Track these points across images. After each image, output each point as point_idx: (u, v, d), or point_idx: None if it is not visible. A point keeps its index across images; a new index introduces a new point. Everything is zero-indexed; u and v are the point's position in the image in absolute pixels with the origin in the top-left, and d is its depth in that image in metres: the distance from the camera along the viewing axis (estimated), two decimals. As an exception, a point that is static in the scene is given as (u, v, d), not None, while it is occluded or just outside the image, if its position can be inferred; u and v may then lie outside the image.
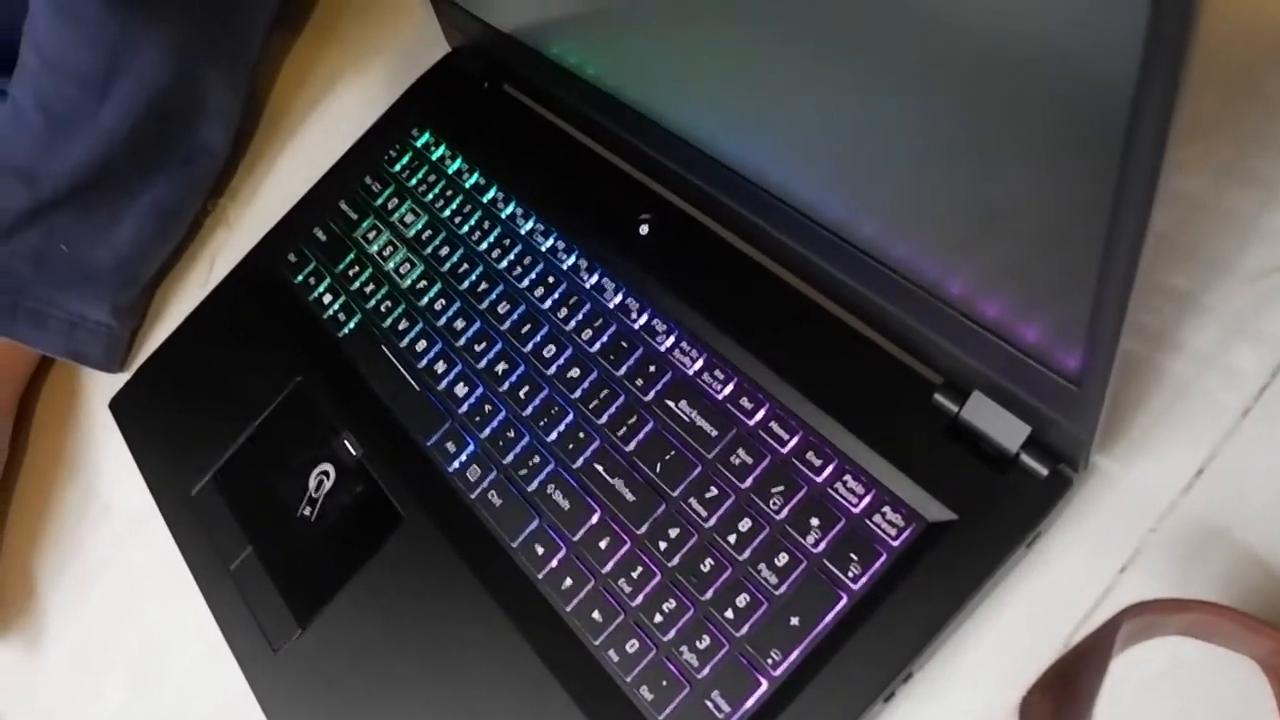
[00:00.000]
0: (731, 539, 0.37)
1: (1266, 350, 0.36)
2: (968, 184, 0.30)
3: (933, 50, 0.27)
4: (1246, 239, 0.37)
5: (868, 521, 0.36)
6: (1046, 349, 0.32)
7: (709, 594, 0.37)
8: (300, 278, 0.54)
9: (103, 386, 0.61)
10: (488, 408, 0.44)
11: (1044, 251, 0.29)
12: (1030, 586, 0.35)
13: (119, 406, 0.57)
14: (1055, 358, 0.32)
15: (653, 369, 0.42)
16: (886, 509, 0.35)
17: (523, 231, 0.49)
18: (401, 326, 0.49)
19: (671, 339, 0.42)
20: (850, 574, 0.35)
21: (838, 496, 0.36)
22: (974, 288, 0.33)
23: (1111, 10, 0.20)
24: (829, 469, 0.37)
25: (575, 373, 0.43)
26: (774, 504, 0.37)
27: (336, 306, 0.52)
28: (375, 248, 0.53)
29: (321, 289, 0.53)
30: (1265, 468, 0.34)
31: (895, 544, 0.35)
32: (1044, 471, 0.34)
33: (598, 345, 0.43)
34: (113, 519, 0.57)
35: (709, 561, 0.37)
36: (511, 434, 0.43)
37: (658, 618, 0.37)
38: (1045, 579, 0.35)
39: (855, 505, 0.36)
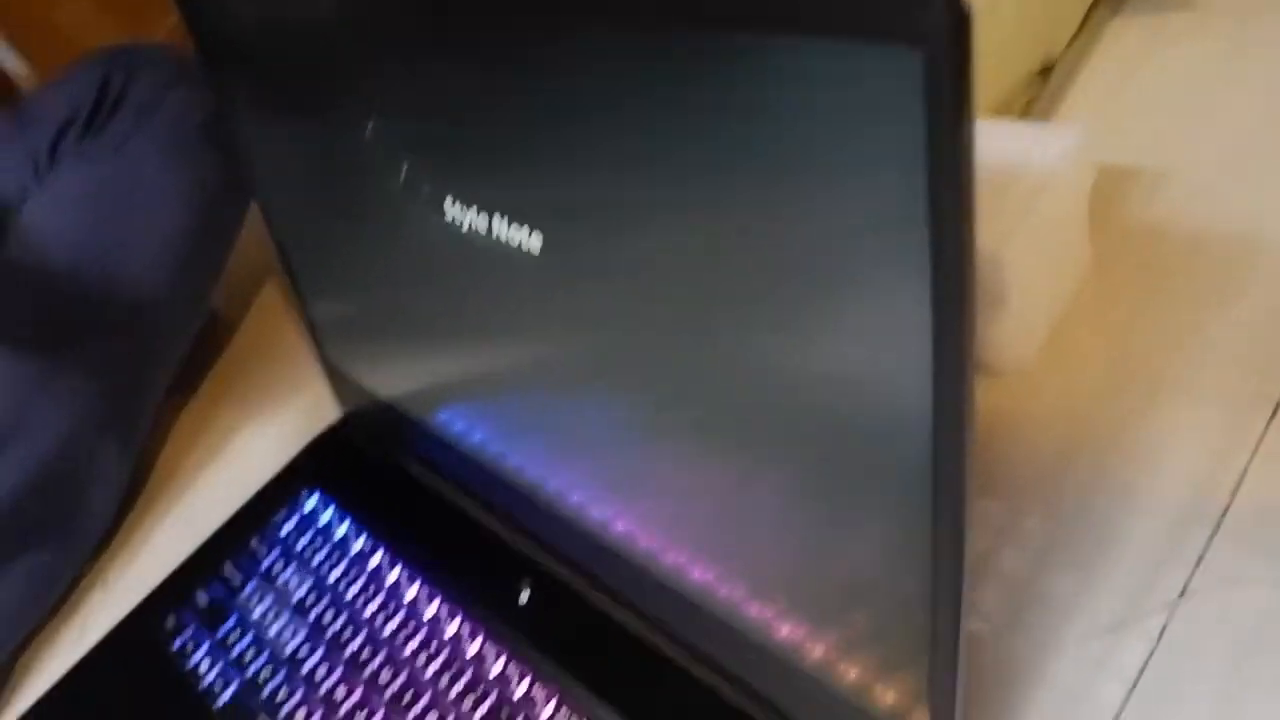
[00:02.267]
0: None
1: (1097, 713, 0.38)
2: (809, 561, 0.34)
3: (774, 438, 0.31)
4: (1068, 615, 0.41)
5: None
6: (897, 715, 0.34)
7: None
8: (178, 644, 0.54)
9: (-52, 764, 0.57)
10: (366, 785, 0.44)
11: (878, 627, 0.32)
12: None
13: (-35, 788, 0.54)
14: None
15: (533, 740, 0.43)
16: None
17: (407, 598, 0.50)
18: (280, 696, 0.49)
19: (550, 706, 0.43)
20: None
21: None
22: (828, 658, 0.36)
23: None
24: (706, 843, 0.38)
25: (456, 745, 0.44)
26: None
27: (213, 675, 0.52)
28: (258, 613, 0.53)
29: (199, 656, 0.53)
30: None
31: None
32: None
33: (479, 714, 0.44)
34: None
35: None
36: (389, 813, 0.43)
37: None
38: None
39: None
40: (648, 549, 0.41)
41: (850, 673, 0.35)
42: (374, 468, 0.58)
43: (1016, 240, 0.41)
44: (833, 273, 0.26)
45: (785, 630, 0.37)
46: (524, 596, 0.48)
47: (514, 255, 0.35)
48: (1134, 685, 0.37)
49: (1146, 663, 0.37)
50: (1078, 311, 0.48)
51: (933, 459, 0.26)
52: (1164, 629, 0.38)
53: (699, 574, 0.39)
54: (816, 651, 0.36)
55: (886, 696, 0.34)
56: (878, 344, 0.26)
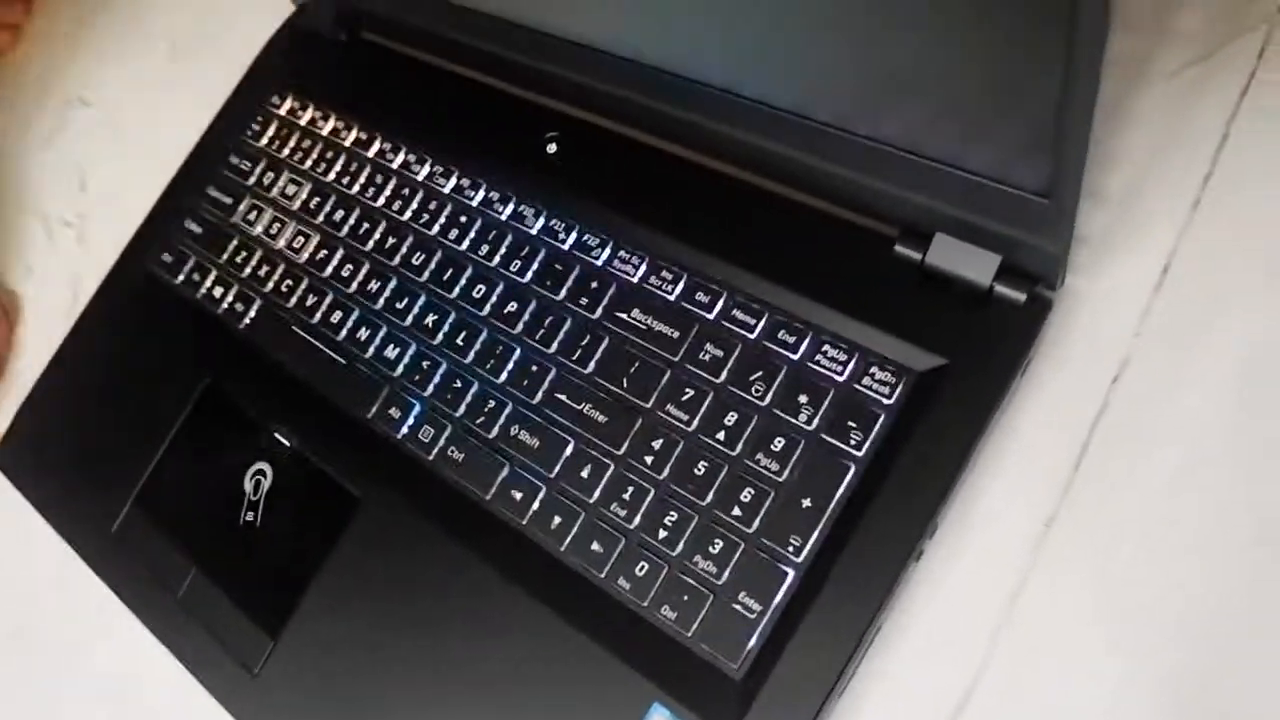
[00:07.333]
0: (720, 436, 0.35)
1: (1198, 144, 0.36)
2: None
3: None
4: (1153, 40, 0.37)
5: (857, 386, 0.34)
6: (1008, 167, 0.31)
7: (710, 497, 0.35)
8: (182, 276, 0.50)
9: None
10: (425, 364, 0.41)
11: (1000, 57, 0.28)
12: (1030, 415, 0.34)
13: (4, 465, 0.52)
14: (1019, 174, 0.31)
15: (595, 285, 0.39)
16: (873, 369, 0.34)
17: (420, 178, 0.45)
18: (309, 302, 0.45)
19: (607, 251, 0.40)
20: (852, 442, 0.34)
21: (820, 369, 0.35)
22: (919, 121, 0.32)
23: None
24: (804, 344, 0.35)
25: (513, 307, 0.41)
26: (756, 391, 0.35)
27: (231, 297, 0.48)
28: (260, 228, 0.49)
29: (209, 283, 0.49)
30: (1227, 252, 0.34)
31: (891, 402, 0.34)
32: (1022, 297, 0.33)
33: (530, 274, 0.41)
34: (38, 579, 0.51)
35: (702, 464, 0.35)
36: (458, 384, 0.40)
37: (662, 533, 0.35)
38: (1043, 404, 0.34)
39: (840, 373, 0.35)
40: (688, 54, 0.36)
41: (946, 134, 0.31)
42: (344, 55, 0.51)
43: None
44: None
45: (869, 106, 0.32)
46: (551, 148, 0.43)
47: None
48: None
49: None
50: None
51: None
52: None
53: (757, 69, 0.34)
54: (904, 120, 0.32)
55: (991, 152, 0.31)
56: None
